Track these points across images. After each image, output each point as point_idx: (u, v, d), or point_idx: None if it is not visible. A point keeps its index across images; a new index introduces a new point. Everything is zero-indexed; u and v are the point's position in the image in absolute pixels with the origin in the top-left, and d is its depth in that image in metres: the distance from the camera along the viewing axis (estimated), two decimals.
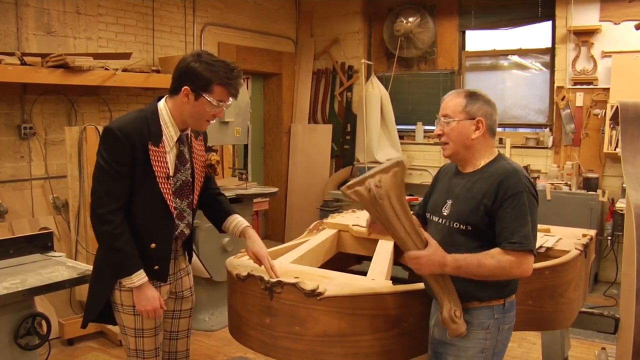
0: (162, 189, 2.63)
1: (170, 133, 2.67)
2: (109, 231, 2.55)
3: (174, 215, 2.72)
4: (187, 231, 2.84)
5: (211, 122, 2.72)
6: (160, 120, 2.66)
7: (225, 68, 2.58)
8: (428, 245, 2.33)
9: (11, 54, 4.76)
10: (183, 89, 2.58)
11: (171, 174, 2.68)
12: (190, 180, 2.80)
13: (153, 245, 2.67)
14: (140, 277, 2.61)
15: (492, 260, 2.31)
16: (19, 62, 4.69)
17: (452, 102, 2.51)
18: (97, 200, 2.59)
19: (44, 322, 2.88)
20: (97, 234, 2.63)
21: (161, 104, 2.69)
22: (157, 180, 2.62)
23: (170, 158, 2.69)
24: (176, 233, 2.77)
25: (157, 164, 2.61)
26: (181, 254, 2.91)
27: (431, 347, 2.61)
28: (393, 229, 2.31)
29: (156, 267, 2.70)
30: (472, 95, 2.49)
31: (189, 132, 2.78)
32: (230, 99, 2.65)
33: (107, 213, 2.55)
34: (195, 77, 2.56)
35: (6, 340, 2.74)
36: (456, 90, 2.58)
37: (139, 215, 2.63)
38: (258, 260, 2.82)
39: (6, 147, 5.17)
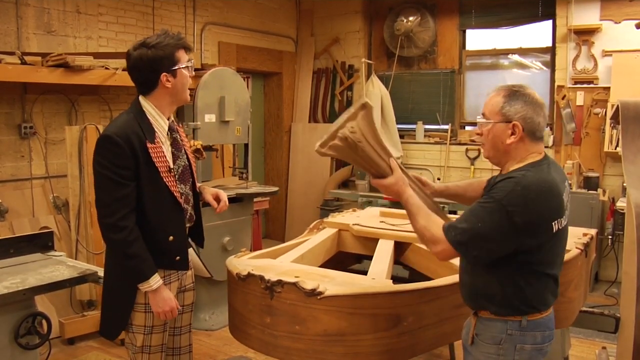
0: (167, 183, 2.68)
1: (161, 125, 2.73)
2: (123, 238, 2.56)
3: (182, 203, 2.77)
4: (193, 213, 2.92)
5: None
6: (149, 116, 2.70)
7: (165, 36, 2.67)
8: (393, 173, 2.40)
9: (11, 54, 4.76)
10: (161, 76, 2.66)
11: (172, 165, 2.74)
12: (187, 163, 2.86)
13: (171, 238, 2.72)
14: (156, 279, 2.64)
15: (425, 221, 2.30)
16: (20, 62, 4.69)
17: (491, 100, 2.32)
18: (105, 209, 2.59)
19: (44, 322, 2.89)
20: (111, 242, 2.65)
21: (143, 101, 2.73)
22: (161, 175, 2.66)
23: (167, 149, 2.74)
24: (187, 216, 2.85)
25: (158, 159, 2.65)
26: (187, 246, 2.93)
27: (463, 352, 2.51)
28: (376, 166, 2.38)
29: (177, 257, 2.76)
30: (513, 95, 2.27)
31: (172, 118, 2.84)
32: (190, 53, 2.77)
33: (119, 220, 2.56)
34: (159, 60, 2.64)
35: (7, 340, 2.74)
36: (502, 85, 2.35)
37: (151, 213, 2.66)
38: (217, 198, 2.96)
39: (7, 147, 5.17)
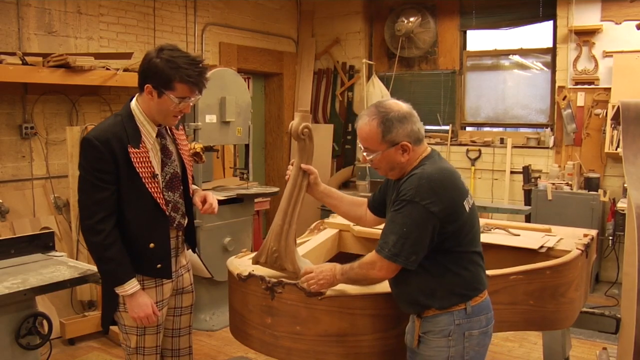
0: (150, 189, 2.63)
1: (148, 131, 2.67)
2: (99, 242, 2.56)
3: (168, 210, 2.72)
4: (184, 221, 2.85)
5: (179, 116, 2.69)
6: (136, 120, 2.65)
7: (188, 64, 2.54)
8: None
9: (12, 54, 4.76)
10: (145, 86, 2.58)
11: (157, 171, 2.68)
12: (179, 171, 2.80)
13: (152, 245, 2.68)
14: (132, 285, 2.62)
15: (359, 268, 2.44)
16: (21, 62, 4.69)
17: (367, 133, 2.39)
18: (85, 211, 2.60)
19: (45, 322, 2.89)
20: (88, 244, 2.64)
21: (133, 104, 2.68)
22: (143, 181, 2.61)
23: (154, 155, 2.69)
24: (175, 224, 2.78)
25: (140, 165, 2.60)
26: (182, 250, 2.91)
27: (407, 356, 2.58)
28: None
29: (159, 265, 2.71)
30: (386, 120, 2.35)
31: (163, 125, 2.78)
32: (197, 94, 2.62)
33: (96, 223, 2.55)
34: (156, 74, 2.54)
35: (7, 340, 2.74)
36: (366, 114, 2.41)
37: (132, 218, 2.63)
38: (204, 200, 2.90)
39: (7, 147, 5.18)
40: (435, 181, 2.29)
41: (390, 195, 2.52)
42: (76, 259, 4.46)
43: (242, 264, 2.92)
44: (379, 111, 2.38)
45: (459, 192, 2.36)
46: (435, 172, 2.32)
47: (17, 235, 3.77)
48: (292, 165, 2.77)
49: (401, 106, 2.41)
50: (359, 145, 2.49)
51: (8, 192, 5.13)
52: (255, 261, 2.75)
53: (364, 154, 2.46)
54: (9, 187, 5.18)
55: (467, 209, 2.38)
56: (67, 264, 3.20)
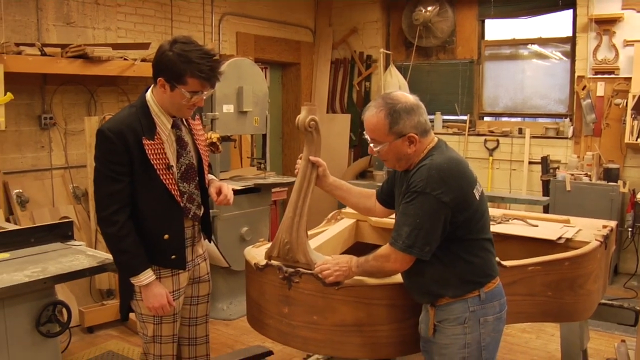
0: (164, 180, 2.64)
1: (163, 122, 2.67)
2: (114, 233, 2.58)
3: (183, 201, 2.73)
4: (199, 212, 2.85)
5: (193, 109, 2.70)
6: (151, 111, 2.65)
7: (200, 57, 2.52)
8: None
9: (31, 45, 4.80)
10: (158, 80, 2.58)
11: (172, 163, 2.68)
12: (195, 162, 2.80)
13: (166, 236, 2.69)
14: (147, 275, 2.64)
15: (374, 261, 2.45)
16: (39, 53, 4.72)
17: (374, 125, 2.41)
18: (100, 203, 2.63)
19: (64, 310, 2.91)
20: (103, 235, 2.67)
21: (148, 95, 2.68)
22: (158, 172, 2.62)
23: (169, 147, 2.69)
24: (190, 215, 2.78)
25: (154, 157, 2.60)
26: (198, 239, 2.92)
27: (421, 346, 2.59)
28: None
29: (173, 256, 2.73)
30: (393, 112, 2.37)
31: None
32: (209, 88, 2.61)
33: (111, 214, 2.57)
34: (168, 68, 2.53)
35: (28, 328, 2.77)
36: (373, 106, 2.44)
37: (146, 209, 2.65)
38: (219, 191, 2.88)
39: (27, 137, 5.22)
40: (445, 171, 2.31)
41: (399, 187, 2.53)
42: (95, 248, 4.49)
43: (259, 253, 2.92)
44: (387, 103, 2.40)
45: (468, 181, 2.39)
46: (444, 162, 2.34)
47: (36, 225, 3.82)
48: (300, 159, 2.76)
49: (408, 98, 2.44)
50: (366, 136, 2.49)
51: (28, 182, 5.18)
52: (268, 256, 2.76)
53: (371, 145, 2.47)
54: (29, 177, 5.23)
55: (477, 196, 2.41)
56: (85, 253, 3.23)
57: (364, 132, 2.50)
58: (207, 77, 2.55)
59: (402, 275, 2.54)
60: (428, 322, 2.48)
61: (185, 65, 2.51)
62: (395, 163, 2.49)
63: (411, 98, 2.44)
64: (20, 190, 5.06)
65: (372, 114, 2.42)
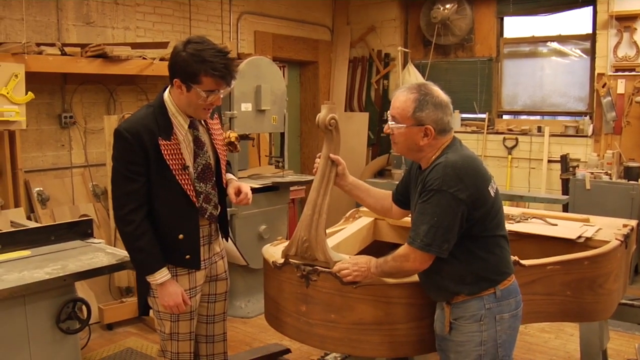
0: (180, 181, 2.65)
1: (180, 122, 2.68)
2: (130, 232, 2.61)
3: (200, 202, 2.74)
4: (215, 212, 2.86)
5: (210, 109, 2.70)
6: (168, 111, 2.66)
7: (214, 56, 2.52)
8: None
9: (52, 45, 4.84)
10: (174, 81, 2.58)
11: (188, 163, 2.69)
12: (212, 162, 2.81)
13: (181, 236, 2.70)
14: (162, 274, 2.65)
15: (393, 261, 2.44)
16: (60, 53, 4.77)
17: (401, 103, 2.44)
18: (117, 202, 2.66)
19: (84, 307, 2.94)
20: (120, 234, 2.69)
21: (166, 95, 2.69)
22: (173, 173, 2.63)
23: (186, 147, 2.70)
24: (206, 215, 2.79)
25: (170, 157, 2.62)
26: (215, 238, 2.93)
27: (437, 344, 2.59)
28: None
29: (187, 256, 2.74)
30: (423, 99, 2.40)
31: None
32: (224, 86, 2.59)
33: (127, 214, 2.59)
34: (182, 68, 2.54)
35: (48, 324, 2.80)
36: (407, 87, 2.48)
37: (162, 209, 2.67)
38: (238, 191, 2.87)
39: (48, 136, 5.28)
40: (460, 168, 2.33)
41: (415, 187, 2.53)
42: (114, 246, 4.52)
43: (277, 251, 2.92)
44: (421, 89, 2.43)
45: (483, 178, 2.40)
46: (459, 160, 2.36)
47: (57, 223, 3.85)
48: (319, 157, 2.77)
49: (442, 94, 2.45)
50: (388, 113, 2.51)
51: (48, 180, 5.24)
52: (285, 254, 2.76)
53: (390, 122, 2.49)
54: (49, 176, 5.28)
55: (492, 193, 2.42)
56: (105, 250, 3.25)
57: (387, 112, 2.52)
58: (221, 75, 2.54)
59: (418, 274, 2.54)
60: (444, 320, 2.48)
61: (199, 65, 2.51)
62: (403, 149, 2.51)
63: (444, 96, 2.46)
64: (41, 189, 5.12)
65: (402, 92, 2.46)
